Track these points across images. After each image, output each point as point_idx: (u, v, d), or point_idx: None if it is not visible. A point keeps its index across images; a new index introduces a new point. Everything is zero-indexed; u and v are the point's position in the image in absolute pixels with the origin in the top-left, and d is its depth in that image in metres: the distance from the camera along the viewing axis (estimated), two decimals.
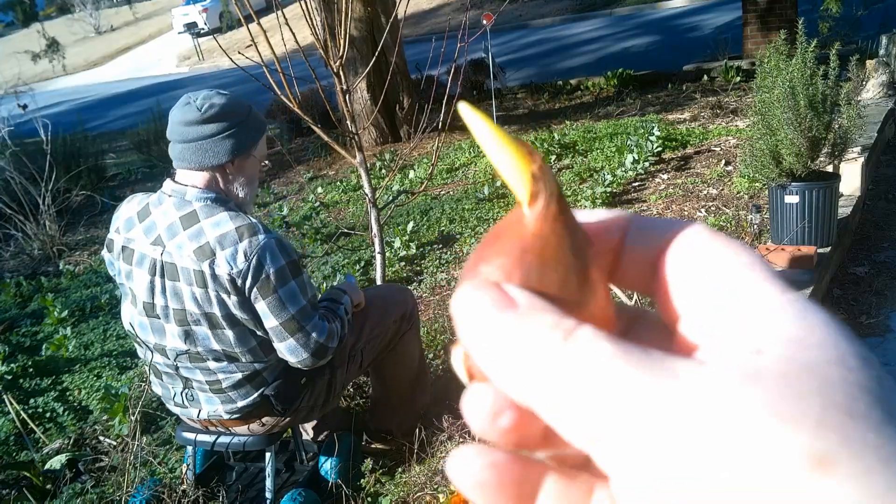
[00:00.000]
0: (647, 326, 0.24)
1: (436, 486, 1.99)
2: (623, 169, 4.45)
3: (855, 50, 5.46)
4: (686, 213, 3.76)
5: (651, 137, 4.75)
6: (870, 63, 4.73)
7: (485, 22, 4.37)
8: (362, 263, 3.78)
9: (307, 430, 2.34)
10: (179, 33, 23.59)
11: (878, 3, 7.53)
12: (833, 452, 0.16)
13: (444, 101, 2.68)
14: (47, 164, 5.03)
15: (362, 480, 2.07)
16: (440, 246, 3.89)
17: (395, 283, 3.30)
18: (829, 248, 2.94)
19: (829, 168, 3.10)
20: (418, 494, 2.00)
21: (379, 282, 2.69)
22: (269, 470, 2.03)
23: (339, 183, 5.54)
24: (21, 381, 3.20)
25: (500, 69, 7.47)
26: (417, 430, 2.17)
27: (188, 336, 1.79)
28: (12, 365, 3.29)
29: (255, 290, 1.73)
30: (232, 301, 1.73)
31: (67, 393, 3.07)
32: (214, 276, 1.71)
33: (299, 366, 1.85)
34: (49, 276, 4.63)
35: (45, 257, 5.04)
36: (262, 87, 2.43)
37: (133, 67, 22.98)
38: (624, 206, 4.02)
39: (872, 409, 0.17)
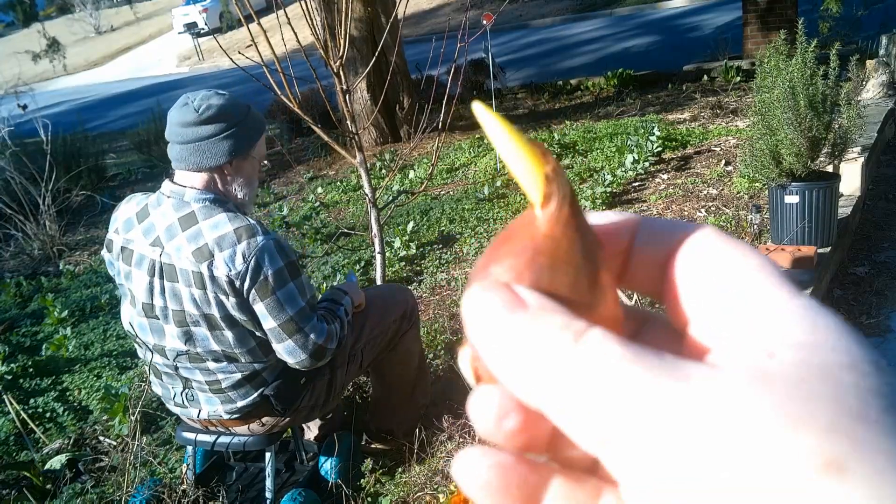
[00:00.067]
0: (656, 329, 0.24)
1: (436, 486, 1.99)
2: (623, 169, 4.45)
3: (855, 50, 5.46)
4: (686, 213, 3.76)
5: (651, 137, 4.75)
6: (870, 63, 4.73)
7: (485, 22, 4.37)
8: (362, 263, 3.78)
9: (311, 429, 2.34)
10: (179, 33, 23.58)
11: (878, 3, 7.54)
12: (845, 457, 0.16)
13: (444, 101, 2.68)
14: (47, 164, 5.03)
15: (362, 480, 2.07)
16: (440, 246, 3.89)
17: (395, 283, 3.30)
18: (829, 249, 2.94)
19: (829, 168, 3.10)
20: (418, 494, 2.00)
21: (379, 282, 2.69)
22: (269, 470, 2.03)
23: (339, 183, 5.54)
24: (21, 381, 3.20)
25: (500, 69, 7.47)
26: (417, 430, 2.17)
27: (187, 337, 1.79)
28: (12, 365, 3.29)
29: (253, 291, 1.73)
30: (231, 302, 1.73)
31: (67, 393, 3.07)
32: (213, 278, 1.70)
33: (298, 367, 1.85)
34: (49, 276, 4.63)
35: (45, 257, 5.04)
36: (263, 87, 2.43)
37: (133, 67, 22.98)
38: (624, 206, 4.02)
39: (885, 414, 0.17)
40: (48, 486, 2.40)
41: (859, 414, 0.17)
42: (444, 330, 2.85)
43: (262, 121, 1.95)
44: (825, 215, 2.87)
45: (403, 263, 3.73)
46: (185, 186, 1.79)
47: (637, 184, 4.31)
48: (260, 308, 1.76)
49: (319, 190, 5.45)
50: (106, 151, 7.91)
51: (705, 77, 6.83)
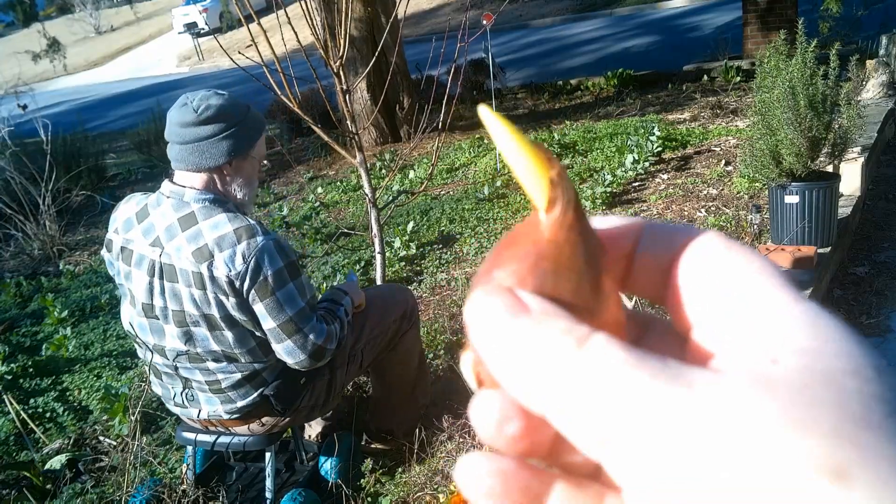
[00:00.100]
0: (659, 334, 0.24)
1: (436, 487, 1.99)
2: (623, 169, 4.45)
3: (855, 50, 5.46)
4: (686, 213, 3.76)
5: (651, 137, 4.75)
6: (870, 63, 4.73)
7: (485, 22, 4.37)
8: (362, 263, 3.78)
9: (313, 426, 2.34)
10: (179, 33, 23.58)
11: (878, 3, 7.54)
12: (849, 463, 0.16)
13: (444, 101, 2.68)
14: (47, 164, 5.03)
15: (362, 480, 2.07)
16: (440, 246, 3.89)
17: (395, 283, 3.30)
18: (829, 249, 2.94)
19: (829, 168, 3.10)
20: (418, 494, 2.00)
21: (379, 282, 2.69)
22: (269, 470, 2.03)
23: (339, 183, 5.54)
24: (21, 381, 3.20)
25: (500, 69, 7.46)
26: (417, 430, 2.17)
27: (187, 337, 1.79)
28: (12, 365, 3.29)
29: (253, 291, 1.73)
30: (230, 303, 1.73)
31: (67, 393, 3.07)
32: (213, 278, 1.70)
33: (297, 367, 1.85)
34: (49, 276, 4.63)
35: (45, 257, 5.04)
36: (263, 87, 2.43)
37: (133, 67, 22.98)
38: (624, 206, 4.02)
39: (888, 420, 0.17)
40: (48, 486, 2.40)
41: (863, 419, 0.17)
42: (445, 330, 2.85)
43: (262, 121, 1.94)
44: (825, 215, 2.87)
45: (403, 263, 3.73)
46: (184, 186, 1.79)
47: (637, 184, 4.31)
48: (259, 308, 1.76)
49: (319, 190, 5.45)
50: (106, 151, 7.91)
51: (705, 77, 6.83)
